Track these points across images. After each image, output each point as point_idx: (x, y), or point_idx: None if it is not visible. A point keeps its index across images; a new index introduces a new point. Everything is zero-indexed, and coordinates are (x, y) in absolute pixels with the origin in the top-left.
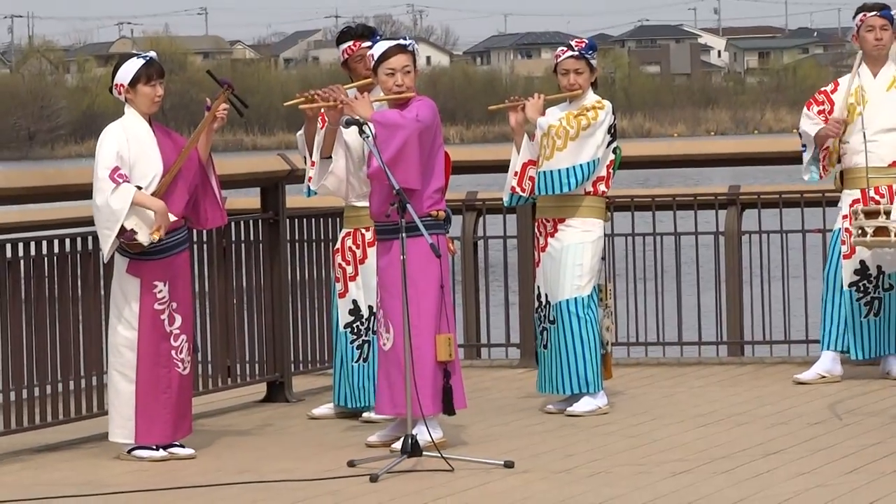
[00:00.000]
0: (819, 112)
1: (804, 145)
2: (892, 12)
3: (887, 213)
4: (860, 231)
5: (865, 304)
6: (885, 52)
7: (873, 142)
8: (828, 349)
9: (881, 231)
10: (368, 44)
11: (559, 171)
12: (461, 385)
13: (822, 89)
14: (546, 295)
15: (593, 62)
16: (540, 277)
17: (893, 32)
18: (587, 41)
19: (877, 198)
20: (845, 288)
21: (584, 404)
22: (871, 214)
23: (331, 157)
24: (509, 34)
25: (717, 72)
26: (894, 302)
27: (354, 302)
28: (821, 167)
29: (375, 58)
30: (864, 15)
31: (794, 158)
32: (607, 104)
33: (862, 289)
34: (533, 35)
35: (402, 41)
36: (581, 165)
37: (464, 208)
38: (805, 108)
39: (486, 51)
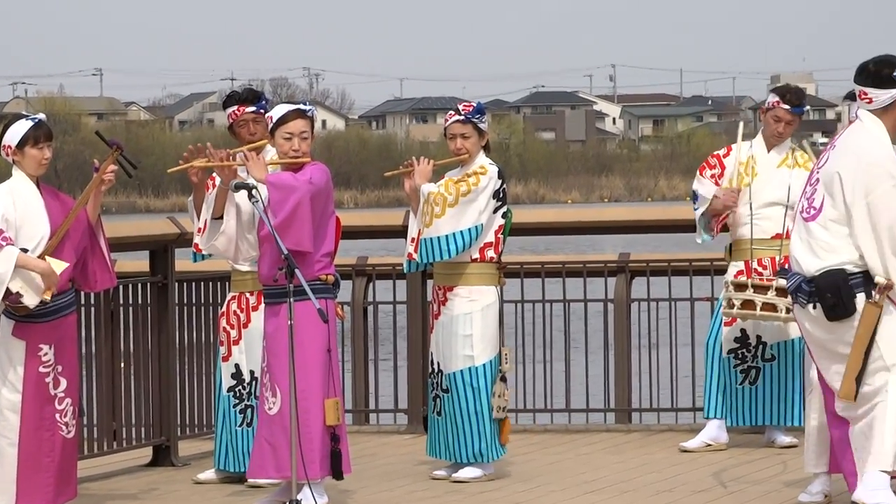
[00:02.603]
0: (711, 176)
1: (697, 207)
2: (805, 108)
3: (754, 287)
4: (728, 303)
5: (742, 372)
6: (783, 141)
7: (758, 214)
8: (710, 416)
9: (748, 304)
10: (253, 109)
11: (438, 238)
12: (346, 450)
13: (716, 153)
14: (439, 363)
15: (482, 126)
16: (433, 345)
17: (799, 123)
18: (475, 105)
19: (759, 269)
20: (724, 355)
21: (471, 471)
22: (739, 287)
23: (222, 217)
24: (405, 99)
25: (612, 139)
26: (775, 373)
27: (237, 366)
28: (713, 230)
29: (274, 120)
30: (778, 102)
31: (686, 226)
32: (492, 169)
33: (739, 356)
34: (428, 100)
35: (301, 106)
36: (462, 232)
37: (354, 273)
38: (698, 173)
39: (381, 115)
